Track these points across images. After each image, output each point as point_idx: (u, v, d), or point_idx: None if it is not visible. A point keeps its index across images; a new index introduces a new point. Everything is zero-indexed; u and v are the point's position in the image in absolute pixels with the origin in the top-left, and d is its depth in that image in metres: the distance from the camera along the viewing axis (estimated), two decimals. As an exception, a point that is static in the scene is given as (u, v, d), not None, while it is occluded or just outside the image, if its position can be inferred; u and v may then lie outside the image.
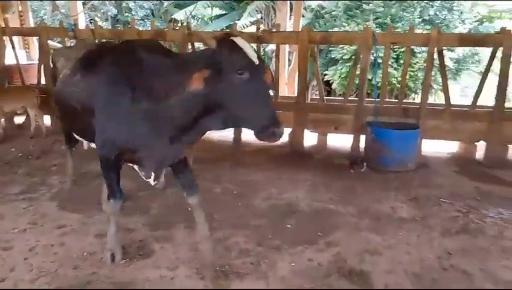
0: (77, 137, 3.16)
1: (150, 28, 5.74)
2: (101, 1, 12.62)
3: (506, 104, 4.87)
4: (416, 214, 3.59)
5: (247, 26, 13.11)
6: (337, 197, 3.95)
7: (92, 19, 11.21)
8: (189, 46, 5.43)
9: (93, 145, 2.78)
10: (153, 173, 2.60)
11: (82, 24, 6.44)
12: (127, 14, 13.83)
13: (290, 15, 7.64)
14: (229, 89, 2.06)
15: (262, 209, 3.62)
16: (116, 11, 13.54)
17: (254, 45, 5.00)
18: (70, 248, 2.88)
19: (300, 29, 5.71)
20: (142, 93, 2.31)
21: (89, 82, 2.55)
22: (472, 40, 5.02)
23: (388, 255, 2.92)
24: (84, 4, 8.59)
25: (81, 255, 2.79)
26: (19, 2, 7.81)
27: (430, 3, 10.30)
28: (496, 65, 4.77)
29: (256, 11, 13.37)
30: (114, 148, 2.48)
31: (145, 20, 13.93)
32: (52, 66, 3.36)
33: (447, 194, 4.02)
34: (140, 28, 12.94)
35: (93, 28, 5.60)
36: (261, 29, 5.08)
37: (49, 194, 3.87)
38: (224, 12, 15.44)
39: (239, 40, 2.05)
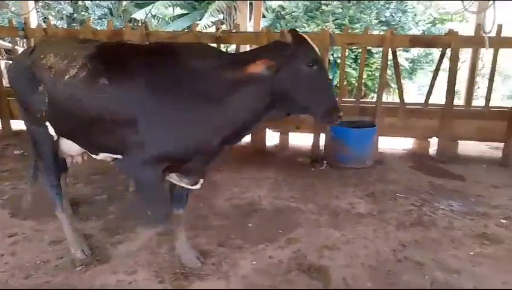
0: (82, 148, 2.60)
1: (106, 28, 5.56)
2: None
3: (456, 102, 5.15)
4: (373, 209, 3.72)
5: (209, 26, 13.06)
6: (298, 194, 4.02)
7: (45, 18, 10.72)
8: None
9: (102, 157, 2.51)
10: (201, 179, 2.48)
11: (34, 23, 6.15)
12: (83, 12, 13.34)
13: (251, 16, 7.68)
14: (299, 79, 2.21)
15: (224, 209, 3.62)
16: (72, 9, 13.02)
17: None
18: (23, 257, 2.75)
19: (260, 30, 5.76)
20: (199, 95, 2.19)
21: (128, 88, 2.19)
22: (423, 41, 5.27)
23: (346, 249, 3.01)
24: (36, 2, 8.20)
25: (34, 264, 2.67)
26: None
27: (386, 6, 10.71)
28: (447, 64, 5.04)
29: (218, 11, 13.35)
30: (166, 160, 2.25)
31: (103, 19, 13.50)
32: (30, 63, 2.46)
33: (402, 189, 4.20)
34: (98, 28, 12.62)
35: (45, 27, 5.36)
36: (220, 29, 5.08)
37: (0, 201, 3.68)
38: (185, 12, 15.30)
39: (308, 38, 2.23)
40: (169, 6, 14.21)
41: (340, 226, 3.37)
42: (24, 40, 5.60)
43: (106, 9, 13.74)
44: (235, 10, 13.44)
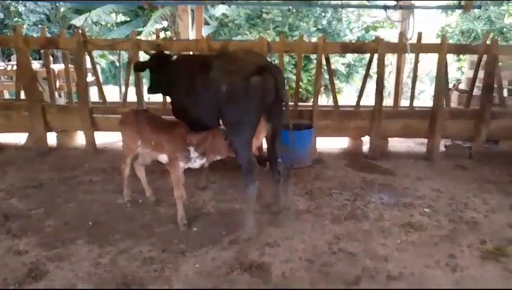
0: None
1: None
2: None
3: (384, 103, 5.57)
4: (310, 205, 3.94)
5: (153, 34, 12.86)
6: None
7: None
8: (86, 55, 5.21)
9: None
10: None
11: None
12: (16, 18, 12.56)
13: (193, 23, 7.75)
14: None
15: (169, 216, 3.64)
16: (3, 14, 12.22)
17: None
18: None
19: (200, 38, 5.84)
20: None
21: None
22: (352, 47, 5.65)
23: (286, 245, 3.18)
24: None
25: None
26: None
27: (323, 14, 11.26)
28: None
29: (162, 18, 13.21)
30: None
31: (39, 25, 12.79)
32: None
33: (338, 185, 4.48)
34: (35, 35, 11.95)
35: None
36: (160, 37, 5.10)
37: None
38: (128, 19, 14.96)
39: None
40: (111, 12, 13.80)
41: (280, 224, 3.54)
42: None
43: (42, 16, 13.03)
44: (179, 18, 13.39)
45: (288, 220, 3.62)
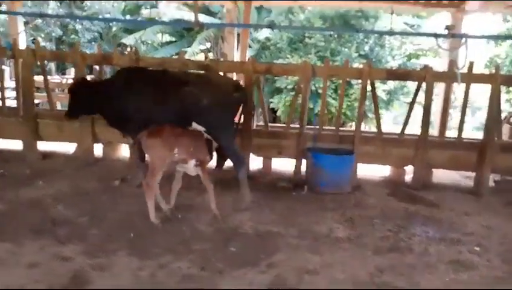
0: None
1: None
2: (44, 21, 12.19)
3: (430, 132, 5.39)
4: (351, 234, 3.82)
5: (197, 54, 13.35)
6: (279, 219, 4.09)
7: (34, 39, 10.77)
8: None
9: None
10: None
11: (23, 44, 6.21)
12: (73, 36, 13.44)
13: (238, 45, 7.95)
14: None
15: (207, 233, 3.65)
16: (62, 32, 13.11)
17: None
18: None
19: (246, 60, 5.97)
20: None
21: None
22: (398, 74, 5.55)
23: (325, 274, 3.08)
24: (25, 23, 8.27)
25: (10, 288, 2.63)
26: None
27: (365, 40, 11.23)
28: (422, 97, 5.32)
29: (206, 39, 13.68)
30: None
31: (93, 43, 13.62)
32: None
33: (379, 214, 4.33)
34: (88, 51, 12.69)
35: (34, 48, 5.43)
36: (208, 58, 5.25)
37: None
38: (173, 39, 15.61)
39: None
40: (157, 33, 14.46)
41: (319, 251, 3.44)
42: (11, 60, 5.63)
43: (96, 34, 13.88)
44: (222, 39, 13.84)
45: (327, 248, 3.52)
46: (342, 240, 3.71)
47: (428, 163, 5.22)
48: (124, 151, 6.00)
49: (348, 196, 4.86)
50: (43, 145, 5.76)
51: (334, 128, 5.45)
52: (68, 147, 5.95)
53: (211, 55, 13.40)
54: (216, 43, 14.33)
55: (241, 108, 4.70)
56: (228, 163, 4.43)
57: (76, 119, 4.75)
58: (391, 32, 6.88)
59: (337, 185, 4.88)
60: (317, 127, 5.41)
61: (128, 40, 13.97)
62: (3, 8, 6.03)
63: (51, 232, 3.46)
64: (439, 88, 6.66)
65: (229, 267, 3.07)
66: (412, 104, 5.32)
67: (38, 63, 5.61)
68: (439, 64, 5.26)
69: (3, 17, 9.69)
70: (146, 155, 4.06)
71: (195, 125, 4.22)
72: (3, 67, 6.32)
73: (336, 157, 4.92)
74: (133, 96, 4.37)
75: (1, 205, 3.95)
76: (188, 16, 13.08)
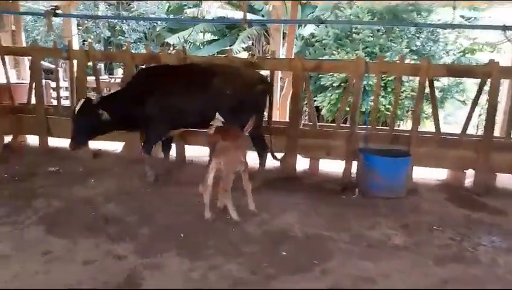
0: None
1: (142, 52, 5.75)
2: (94, 23, 12.73)
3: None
4: (408, 241, 3.57)
5: (239, 52, 13.37)
6: (329, 223, 3.92)
7: (84, 40, 11.27)
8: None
9: None
10: None
11: (76, 45, 6.44)
12: (120, 36, 13.93)
13: (283, 42, 7.81)
14: None
15: (256, 236, 3.55)
16: (110, 33, 13.63)
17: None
18: (57, 277, 2.76)
19: (292, 57, 5.82)
20: None
21: None
22: (461, 70, 5.16)
23: (383, 283, 2.89)
24: (78, 26, 8.62)
25: (70, 285, 2.66)
26: (12, 21, 7.80)
27: (417, 35, 10.67)
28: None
29: (248, 38, 13.65)
30: None
31: (138, 43, 14.04)
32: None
33: (438, 221, 4.03)
34: (133, 51, 13.08)
35: (87, 49, 5.60)
36: (256, 55, 5.15)
37: (35, 217, 3.73)
38: (216, 38, 15.73)
39: None
40: (200, 32, 14.65)
41: (375, 258, 3.24)
42: (66, 61, 5.85)
43: (142, 34, 14.28)
44: (264, 37, 13.78)
45: (383, 255, 3.31)
46: (399, 247, 3.48)
47: (491, 166, 4.81)
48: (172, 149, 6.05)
49: (403, 201, 4.59)
50: (93, 144, 5.94)
51: (387, 128, 5.16)
52: (115, 146, 6.10)
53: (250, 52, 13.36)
54: (258, 41, 14.27)
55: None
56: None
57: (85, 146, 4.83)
58: (454, 26, 6.43)
59: (391, 189, 4.61)
60: (367, 126, 5.16)
61: (172, 39, 14.26)
62: (60, 11, 6.26)
63: (103, 230, 3.51)
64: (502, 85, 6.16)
65: (282, 272, 2.95)
66: (474, 103, 4.92)
67: (90, 63, 5.79)
68: (501, 60, 4.80)
69: (58, 20, 10.18)
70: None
71: (218, 116, 4.26)
72: (58, 68, 6.57)
73: (391, 159, 4.65)
74: (158, 95, 4.46)
75: (57, 202, 4.07)
76: (232, 14, 13.13)
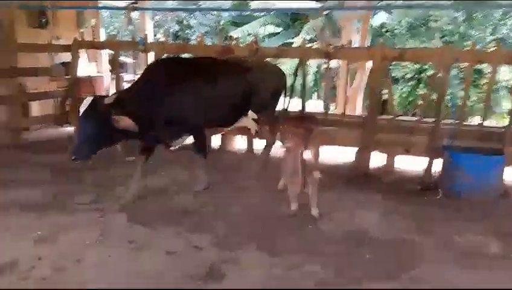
0: None
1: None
2: (164, 18, 13.21)
3: None
4: (506, 250, 3.19)
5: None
6: (412, 225, 3.63)
7: (155, 35, 11.74)
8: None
9: None
10: None
11: (150, 39, 6.67)
12: (187, 31, 14.35)
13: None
14: None
15: (335, 235, 3.37)
16: (178, 28, 14.09)
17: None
18: (143, 265, 2.81)
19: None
20: None
21: None
22: None
23: (484, 296, 2.59)
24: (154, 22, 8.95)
25: (156, 273, 2.70)
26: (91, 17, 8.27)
27: (502, 22, 9.68)
28: None
29: (313, 29, 13.33)
30: None
31: (204, 36, 14.36)
32: None
33: (541, 230, 3.57)
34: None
35: (163, 42, 5.74)
36: (332, 45, 4.91)
37: (117, 205, 3.83)
38: (278, 30, 15.58)
39: None
40: (265, 24, 14.64)
41: (470, 268, 2.93)
42: (142, 54, 6.06)
43: (208, 28, 14.59)
44: (328, 29, 13.38)
45: (478, 264, 2.98)
46: (496, 256, 3.12)
47: None
48: (238, 143, 6.05)
49: (495, 204, 4.14)
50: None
51: (473, 123, 4.68)
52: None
53: (316, 45, 13.02)
54: (322, 32, 13.89)
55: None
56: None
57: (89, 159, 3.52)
58: None
59: (481, 191, 4.18)
60: (454, 121, 4.72)
61: (236, 33, 14.35)
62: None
63: (180, 220, 3.54)
64: None
65: (367, 277, 2.76)
66: None
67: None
68: None
69: (133, 15, 10.67)
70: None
71: (251, 114, 4.39)
72: (128, 61, 6.84)
73: (481, 157, 4.21)
74: (183, 93, 3.82)
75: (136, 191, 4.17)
76: (297, 4, 12.88)
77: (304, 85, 5.22)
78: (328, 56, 4.81)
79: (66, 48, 6.29)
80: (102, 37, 8.56)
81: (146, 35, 5.95)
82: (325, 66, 4.80)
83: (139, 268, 2.77)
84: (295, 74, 5.24)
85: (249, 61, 4.72)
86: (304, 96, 5.27)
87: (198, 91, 3.92)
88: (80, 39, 6.24)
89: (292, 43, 13.95)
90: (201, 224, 3.49)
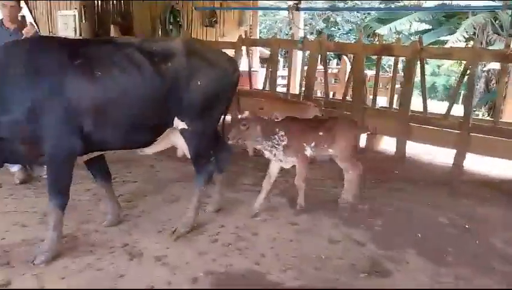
0: None
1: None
2: (311, 16, 13.52)
3: None
4: None
5: (458, 42, 11.91)
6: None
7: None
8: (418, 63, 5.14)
9: None
10: None
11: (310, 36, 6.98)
12: (332, 28, 14.44)
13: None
14: None
15: (509, 254, 3.10)
16: (324, 25, 14.27)
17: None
18: (308, 248, 3.03)
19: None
20: None
21: None
22: None
23: None
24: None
25: (320, 258, 2.89)
26: (251, 16, 9.02)
27: None
28: None
29: (473, 27, 11.97)
30: None
31: (349, 34, 14.22)
32: None
33: None
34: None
35: (320, 40, 5.94)
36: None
37: (277, 190, 4.06)
38: (429, 27, 14.41)
39: None
40: (415, 21, 13.73)
41: None
42: (301, 51, 6.38)
43: (353, 25, 14.42)
44: (492, 25, 11.83)
45: None
46: None
47: None
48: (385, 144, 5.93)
49: None
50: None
51: None
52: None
53: (471, 44, 11.66)
54: (482, 30, 12.35)
55: None
56: None
57: None
58: None
59: None
60: None
61: (382, 30, 13.76)
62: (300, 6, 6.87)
63: (337, 212, 3.67)
64: None
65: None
66: None
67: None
68: None
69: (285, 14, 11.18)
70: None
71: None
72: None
73: None
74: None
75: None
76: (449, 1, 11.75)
77: (469, 88, 4.75)
78: (507, 59, 4.33)
79: (232, 45, 6.98)
80: (257, 34, 9.26)
81: (305, 33, 6.24)
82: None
83: (305, 250, 2.99)
84: (463, 74, 4.84)
85: (170, 41, 3.02)
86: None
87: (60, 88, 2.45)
88: (244, 37, 6.88)
89: (445, 41, 12.81)
90: (359, 220, 3.53)
